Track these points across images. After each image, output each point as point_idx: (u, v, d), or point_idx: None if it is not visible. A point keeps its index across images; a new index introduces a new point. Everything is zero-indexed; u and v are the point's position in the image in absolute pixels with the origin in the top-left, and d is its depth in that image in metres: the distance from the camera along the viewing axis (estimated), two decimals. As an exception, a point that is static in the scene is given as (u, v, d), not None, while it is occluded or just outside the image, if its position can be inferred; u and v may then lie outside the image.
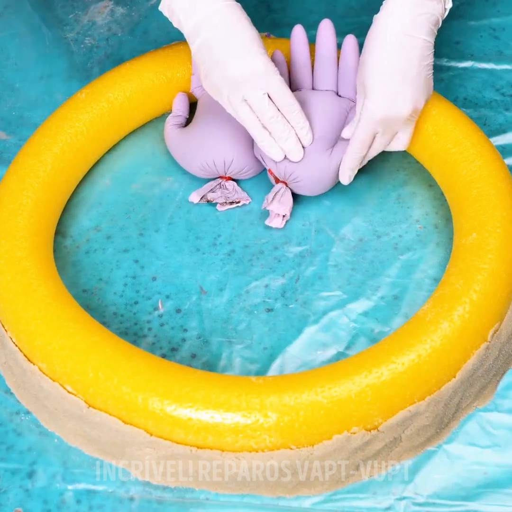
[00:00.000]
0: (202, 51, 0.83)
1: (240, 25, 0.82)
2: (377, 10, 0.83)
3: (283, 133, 0.85)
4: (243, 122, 0.84)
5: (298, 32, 0.94)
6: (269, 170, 0.90)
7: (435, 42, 1.10)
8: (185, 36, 0.84)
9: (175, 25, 0.84)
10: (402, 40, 0.81)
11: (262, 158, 0.90)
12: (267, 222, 0.90)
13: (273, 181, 0.92)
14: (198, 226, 0.91)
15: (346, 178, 0.87)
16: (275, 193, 0.89)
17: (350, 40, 0.92)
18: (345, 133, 0.88)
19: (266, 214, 0.92)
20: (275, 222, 0.90)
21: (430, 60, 0.83)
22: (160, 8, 0.83)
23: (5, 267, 0.78)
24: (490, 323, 0.75)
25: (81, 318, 0.75)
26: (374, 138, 0.85)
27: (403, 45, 0.81)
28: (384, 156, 0.96)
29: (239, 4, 0.83)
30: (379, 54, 0.82)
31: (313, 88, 0.96)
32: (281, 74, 0.95)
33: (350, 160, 0.86)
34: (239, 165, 0.92)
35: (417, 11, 0.80)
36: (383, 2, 0.83)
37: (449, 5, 0.82)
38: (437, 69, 1.06)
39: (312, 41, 0.96)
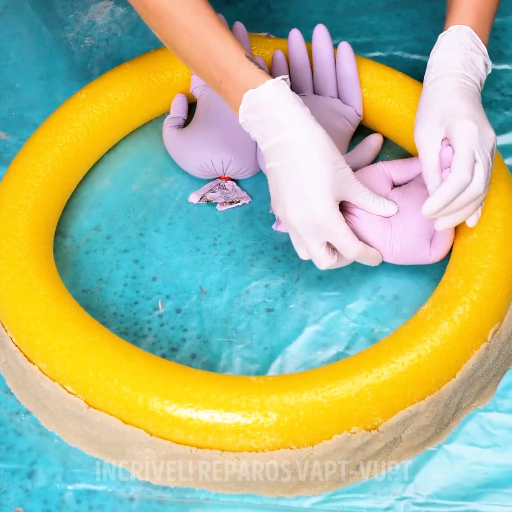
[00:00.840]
0: (279, 174, 0.77)
1: (308, 160, 0.75)
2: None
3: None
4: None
5: (295, 37, 0.95)
6: None
7: (435, 42, 1.11)
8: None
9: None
10: (465, 86, 0.79)
11: None
12: (274, 227, 0.90)
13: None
14: (198, 226, 0.91)
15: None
16: None
17: (344, 48, 0.93)
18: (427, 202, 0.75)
19: (266, 214, 0.92)
20: (282, 226, 0.89)
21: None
22: (241, 122, 0.79)
23: (5, 267, 0.78)
24: (490, 323, 0.75)
25: (81, 318, 0.75)
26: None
27: (467, 89, 0.79)
28: (383, 156, 0.96)
29: (321, 128, 0.77)
30: (456, 92, 0.79)
31: (314, 92, 0.96)
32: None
33: (449, 194, 0.74)
34: (238, 165, 0.92)
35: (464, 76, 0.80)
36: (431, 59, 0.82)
37: (490, 66, 0.83)
38: (437, 69, 1.07)
39: (311, 40, 0.96)
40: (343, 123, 0.93)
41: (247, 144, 0.92)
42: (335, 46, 0.95)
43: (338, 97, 0.95)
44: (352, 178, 0.78)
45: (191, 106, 1.01)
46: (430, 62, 0.83)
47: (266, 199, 0.93)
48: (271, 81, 0.76)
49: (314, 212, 0.76)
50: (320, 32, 0.93)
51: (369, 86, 0.95)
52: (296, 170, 0.76)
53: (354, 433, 0.70)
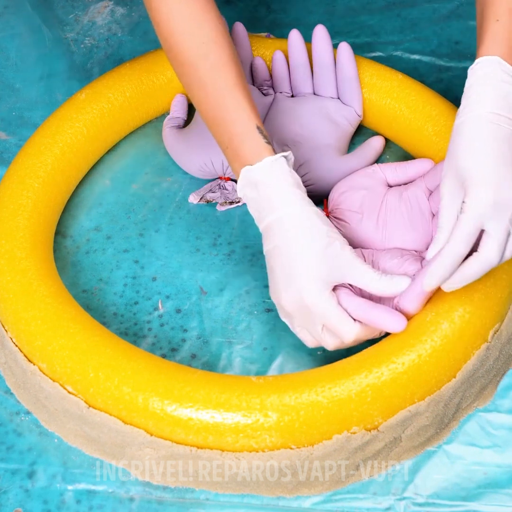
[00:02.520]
0: (272, 258, 0.74)
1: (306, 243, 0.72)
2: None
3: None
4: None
5: (295, 37, 0.95)
6: None
7: (434, 42, 1.11)
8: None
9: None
10: (495, 128, 0.71)
11: None
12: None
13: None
14: (198, 226, 0.91)
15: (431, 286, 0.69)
16: None
17: (344, 48, 0.93)
18: (430, 253, 0.72)
19: (266, 214, 0.92)
20: None
21: None
22: (240, 194, 0.77)
23: (6, 267, 0.78)
24: (491, 323, 0.75)
25: (81, 318, 0.75)
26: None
27: (498, 132, 0.71)
28: (383, 156, 0.96)
29: (315, 208, 0.74)
30: (477, 143, 0.71)
31: (314, 93, 0.96)
32: (282, 78, 0.96)
33: (445, 267, 0.69)
34: (238, 165, 0.92)
35: (504, 102, 0.72)
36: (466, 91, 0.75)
37: None
38: (437, 70, 1.07)
39: (311, 41, 0.96)
40: (343, 123, 0.93)
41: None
42: (335, 46, 0.95)
43: (338, 98, 0.95)
44: (349, 256, 0.72)
45: (191, 106, 1.01)
46: (462, 101, 0.75)
47: (266, 199, 0.93)
48: (270, 158, 0.74)
49: (304, 298, 0.72)
50: (320, 33, 0.93)
51: (369, 86, 0.95)
52: (287, 251, 0.73)
53: (354, 433, 0.70)
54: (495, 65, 0.74)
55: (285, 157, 0.75)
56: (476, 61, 0.75)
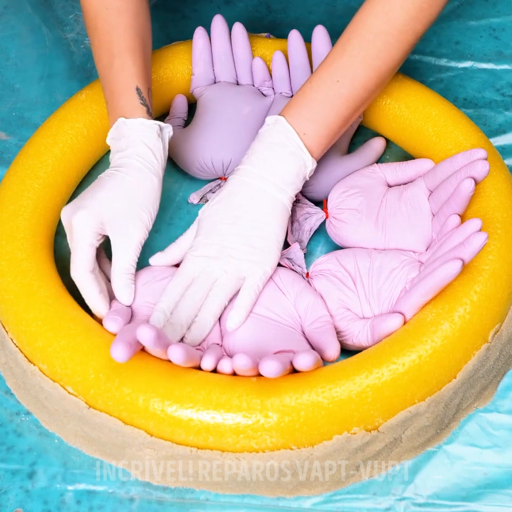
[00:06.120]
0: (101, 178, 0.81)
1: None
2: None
3: None
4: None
5: (295, 38, 0.95)
6: None
7: (434, 42, 1.11)
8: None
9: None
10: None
11: None
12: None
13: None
14: (198, 226, 0.91)
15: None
16: None
17: None
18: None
19: (266, 214, 0.92)
20: None
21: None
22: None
23: (6, 268, 0.78)
24: (491, 323, 0.75)
25: (82, 319, 0.75)
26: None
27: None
28: (383, 157, 0.96)
29: (154, 182, 0.80)
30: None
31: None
32: (282, 78, 0.96)
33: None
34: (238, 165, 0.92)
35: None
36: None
37: (314, 165, 0.81)
38: (437, 70, 1.07)
39: (311, 41, 0.96)
40: None
41: (247, 144, 0.92)
42: (335, 46, 0.95)
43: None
44: (137, 227, 0.78)
45: (191, 106, 1.01)
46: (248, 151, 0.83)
47: (266, 199, 0.93)
48: (144, 121, 0.79)
49: (72, 215, 0.77)
50: (320, 33, 0.93)
51: (369, 86, 0.95)
52: (105, 184, 0.79)
53: (355, 433, 0.70)
54: (279, 128, 0.80)
55: (161, 127, 0.80)
56: (266, 119, 0.82)
